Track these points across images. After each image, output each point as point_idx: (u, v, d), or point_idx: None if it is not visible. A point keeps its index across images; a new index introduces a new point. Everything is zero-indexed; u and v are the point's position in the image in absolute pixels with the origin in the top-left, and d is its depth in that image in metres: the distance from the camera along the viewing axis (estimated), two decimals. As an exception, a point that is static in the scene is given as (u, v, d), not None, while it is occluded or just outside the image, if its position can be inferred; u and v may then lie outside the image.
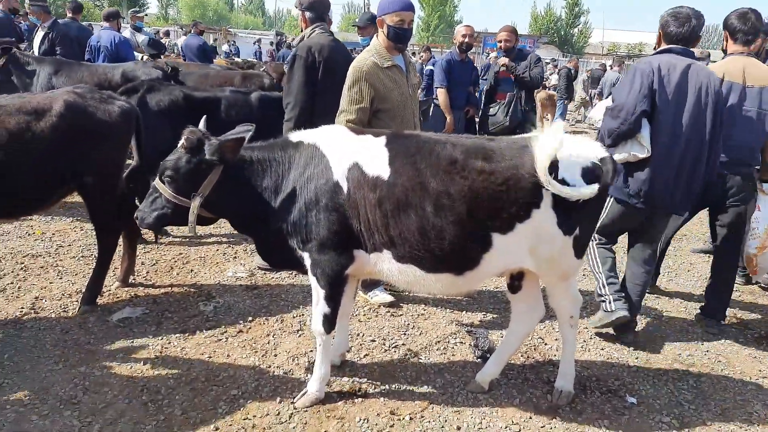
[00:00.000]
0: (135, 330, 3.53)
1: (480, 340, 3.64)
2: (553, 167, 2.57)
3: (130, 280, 4.14)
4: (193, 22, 12.97)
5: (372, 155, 2.66)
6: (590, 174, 2.62)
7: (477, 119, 6.90)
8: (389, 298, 4.11)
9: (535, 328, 3.17)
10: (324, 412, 2.86)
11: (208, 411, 2.82)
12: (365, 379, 3.17)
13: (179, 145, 2.77)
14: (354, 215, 2.64)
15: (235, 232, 5.26)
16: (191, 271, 4.51)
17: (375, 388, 3.10)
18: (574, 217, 2.66)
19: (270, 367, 3.24)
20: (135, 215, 2.92)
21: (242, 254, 4.94)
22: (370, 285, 4.14)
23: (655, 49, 3.63)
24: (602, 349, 3.73)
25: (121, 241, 3.94)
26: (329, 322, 2.83)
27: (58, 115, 3.42)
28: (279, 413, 2.83)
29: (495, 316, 4.09)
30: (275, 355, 3.36)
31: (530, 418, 2.94)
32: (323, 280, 2.74)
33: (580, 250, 2.78)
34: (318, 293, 2.79)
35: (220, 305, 3.93)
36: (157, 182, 2.83)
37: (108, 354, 3.24)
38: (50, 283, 4.10)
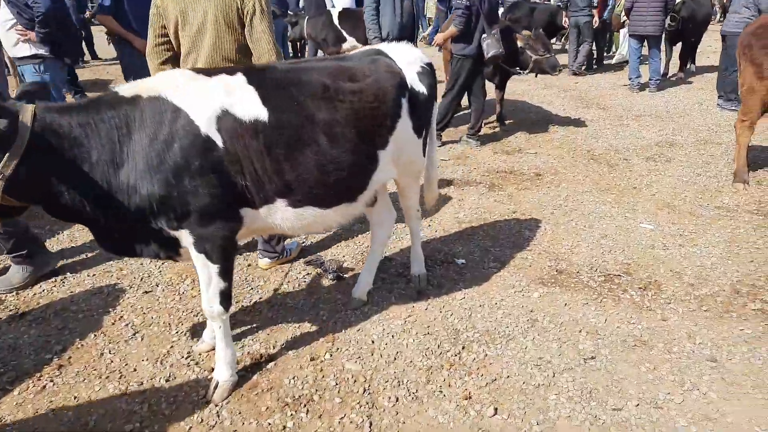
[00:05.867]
0: None
1: (324, 264, 3.69)
2: (402, 75, 2.73)
3: None
4: None
5: (239, 97, 2.28)
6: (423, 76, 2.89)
7: None
8: None
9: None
10: (248, 392, 2.56)
11: (117, 464, 2.18)
12: (255, 344, 2.91)
13: None
14: (236, 170, 2.27)
15: None
16: None
17: (271, 347, 2.89)
18: (421, 121, 2.90)
19: (143, 383, 2.63)
20: None
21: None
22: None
23: None
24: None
25: None
26: (227, 299, 2.46)
27: None
28: (203, 420, 2.40)
29: (303, 240, 4.15)
30: (134, 370, 2.72)
31: (413, 308, 3.25)
32: (215, 254, 2.32)
33: (425, 149, 3.06)
34: (209, 271, 2.36)
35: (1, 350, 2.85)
36: None
37: None
38: None
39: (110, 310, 3.23)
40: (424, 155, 3.10)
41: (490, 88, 7.44)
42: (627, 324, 3.06)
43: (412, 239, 3.48)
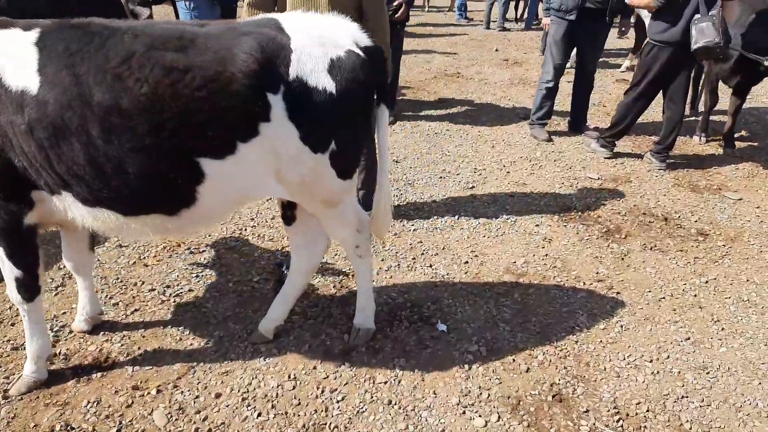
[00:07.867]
0: None
1: (285, 272, 3.08)
2: (276, 61, 1.88)
3: None
4: None
5: (16, 59, 1.85)
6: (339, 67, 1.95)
7: None
8: None
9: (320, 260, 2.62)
10: (44, 398, 2.26)
11: None
12: (119, 344, 2.57)
13: None
14: (7, 145, 1.89)
15: None
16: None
17: (129, 355, 2.51)
18: (325, 129, 2.01)
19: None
20: None
21: None
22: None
23: None
24: (430, 266, 3.27)
25: None
26: (26, 287, 2.16)
27: None
28: (-19, 410, 2.22)
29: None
30: None
31: (314, 368, 2.46)
32: (-6, 237, 2.03)
33: (343, 169, 2.14)
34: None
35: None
36: None
37: None
38: None
39: None
40: (347, 177, 2.18)
41: (725, 92, 5.27)
42: None
43: (358, 283, 2.60)
